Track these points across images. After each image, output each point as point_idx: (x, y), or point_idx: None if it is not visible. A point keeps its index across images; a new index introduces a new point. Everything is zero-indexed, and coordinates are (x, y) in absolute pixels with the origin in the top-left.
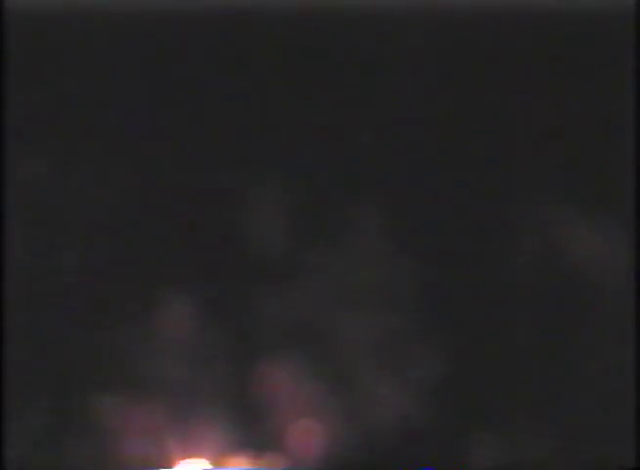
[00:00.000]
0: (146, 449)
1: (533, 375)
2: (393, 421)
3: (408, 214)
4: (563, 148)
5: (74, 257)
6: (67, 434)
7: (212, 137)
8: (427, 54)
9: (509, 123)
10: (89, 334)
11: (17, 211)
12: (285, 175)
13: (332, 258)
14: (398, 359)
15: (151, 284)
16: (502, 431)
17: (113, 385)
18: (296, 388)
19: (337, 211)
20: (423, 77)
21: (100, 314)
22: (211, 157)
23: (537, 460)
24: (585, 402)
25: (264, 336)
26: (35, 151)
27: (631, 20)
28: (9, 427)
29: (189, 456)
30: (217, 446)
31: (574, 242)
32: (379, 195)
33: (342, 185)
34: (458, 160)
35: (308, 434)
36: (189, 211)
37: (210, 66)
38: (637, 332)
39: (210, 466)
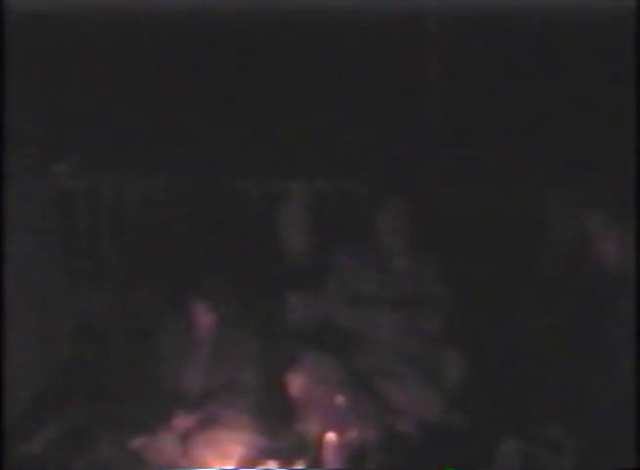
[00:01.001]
0: (175, 456)
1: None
2: (422, 427)
3: (434, 215)
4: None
5: (100, 263)
6: (96, 440)
7: (234, 140)
8: (442, 53)
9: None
10: (116, 339)
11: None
12: (309, 178)
13: (360, 260)
14: (427, 363)
15: (178, 290)
16: (522, 434)
17: (141, 392)
18: (324, 394)
19: (362, 212)
20: (441, 77)
21: (127, 320)
22: (236, 161)
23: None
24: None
25: (293, 341)
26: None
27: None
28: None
29: (218, 463)
30: (246, 453)
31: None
32: (404, 196)
33: (368, 186)
34: (479, 161)
35: (338, 441)
36: (215, 215)
37: (223, 66)
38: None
39: None
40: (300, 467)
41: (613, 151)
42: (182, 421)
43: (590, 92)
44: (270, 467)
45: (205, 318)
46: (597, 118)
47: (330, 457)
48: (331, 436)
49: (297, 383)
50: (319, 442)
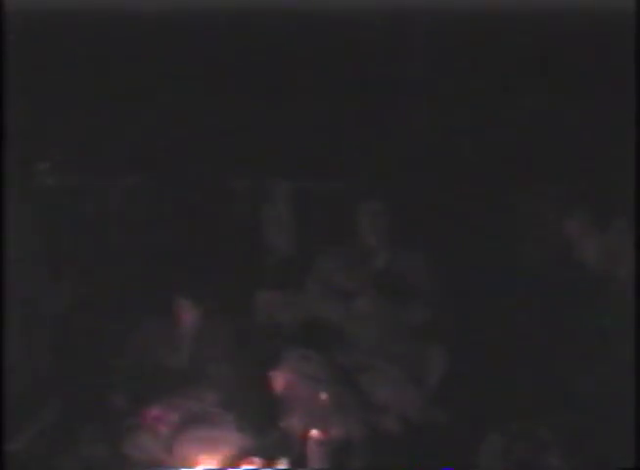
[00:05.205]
0: (158, 451)
1: (535, 375)
2: (406, 423)
3: (416, 214)
4: (562, 148)
5: (86, 260)
6: (80, 433)
7: (219, 139)
8: (429, 53)
9: (508, 124)
10: (99, 337)
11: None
12: (291, 177)
13: (341, 259)
14: (410, 360)
15: (160, 288)
16: (506, 431)
17: (125, 388)
18: (307, 391)
19: (344, 211)
20: (427, 77)
21: (109, 319)
22: (218, 160)
23: (537, 460)
24: (585, 402)
25: (276, 338)
26: (35, 152)
27: (631, 20)
28: (19, 426)
29: (201, 459)
30: (228, 450)
31: (583, 243)
32: (387, 195)
33: (350, 186)
34: (463, 159)
35: (320, 438)
36: (197, 214)
37: (216, 65)
38: (637, 332)
39: None
40: (284, 464)
41: (612, 151)
42: (166, 418)
43: (589, 92)
44: (254, 465)
45: (188, 315)
46: (597, 118)
47: (313, 454)
48: (314, 433)
49: (280, 380)
50: (303, 439)
